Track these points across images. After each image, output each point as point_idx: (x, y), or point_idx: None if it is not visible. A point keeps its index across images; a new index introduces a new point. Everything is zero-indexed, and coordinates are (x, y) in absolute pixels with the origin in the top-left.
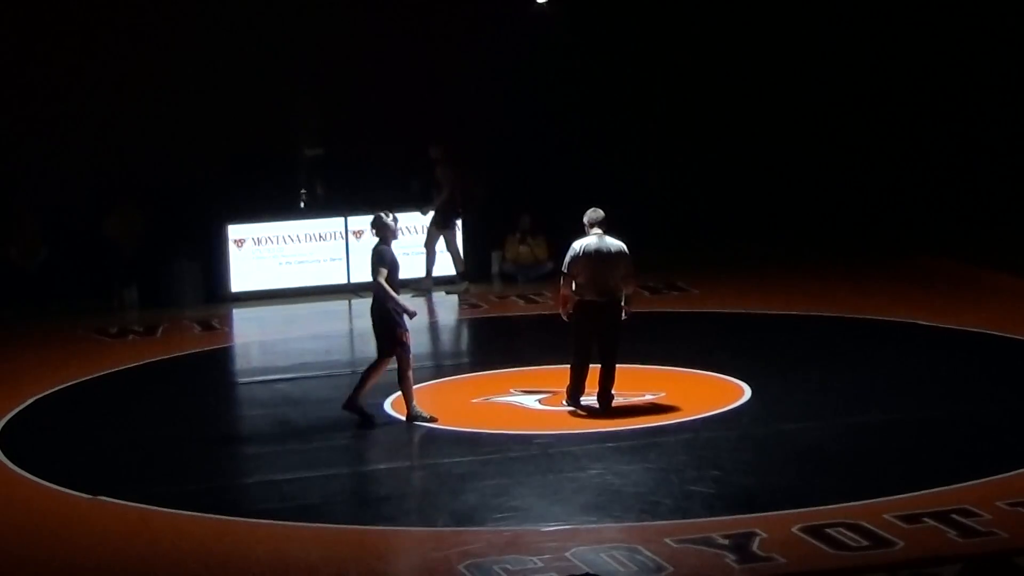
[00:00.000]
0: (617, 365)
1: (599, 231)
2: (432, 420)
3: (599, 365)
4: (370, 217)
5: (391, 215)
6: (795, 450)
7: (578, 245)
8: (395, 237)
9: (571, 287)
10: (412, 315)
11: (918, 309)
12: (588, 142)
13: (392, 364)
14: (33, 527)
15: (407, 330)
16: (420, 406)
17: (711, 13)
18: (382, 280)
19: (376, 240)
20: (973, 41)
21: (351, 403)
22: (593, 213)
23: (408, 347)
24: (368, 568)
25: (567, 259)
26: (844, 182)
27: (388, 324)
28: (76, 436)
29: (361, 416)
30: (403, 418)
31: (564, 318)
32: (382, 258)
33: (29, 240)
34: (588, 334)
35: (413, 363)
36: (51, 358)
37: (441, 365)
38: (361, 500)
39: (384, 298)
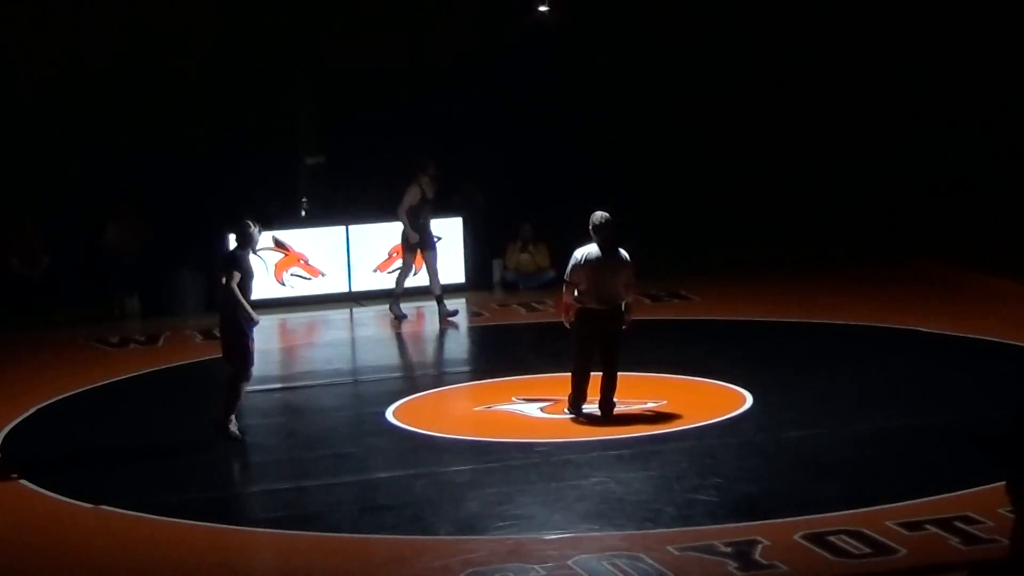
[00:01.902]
0: (619, 373)
1: (602, 239)
2: (238, 440)
3: (601, 373)
4: (368, 226)
5: (256, 225)
6: (797, 457)
7: (580, 253)
8: (254, 248)
9: (573, 295)
10: (255, 323)
11: (919, 315)
12: (590, 150)
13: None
14: (35, 537)
15: (252, 339)
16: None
17: (711, 18)
18: (234, 285)
19: (235, 246)
20: (973, 45)
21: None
22: (597, 220)
23: (252, 358)
24: None
25: (569, 267)
26: (845, 188)
27: (236, 331)
28: (78, 445)
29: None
30: (407, 427)
31: (566, 326)
32: (238, 264)
33: (31, 249)
34: (590, 342)
35: (251, 377)
36: (53, 367)
37: (443, 373)
38: (363, 509)
39: (233, 304)
